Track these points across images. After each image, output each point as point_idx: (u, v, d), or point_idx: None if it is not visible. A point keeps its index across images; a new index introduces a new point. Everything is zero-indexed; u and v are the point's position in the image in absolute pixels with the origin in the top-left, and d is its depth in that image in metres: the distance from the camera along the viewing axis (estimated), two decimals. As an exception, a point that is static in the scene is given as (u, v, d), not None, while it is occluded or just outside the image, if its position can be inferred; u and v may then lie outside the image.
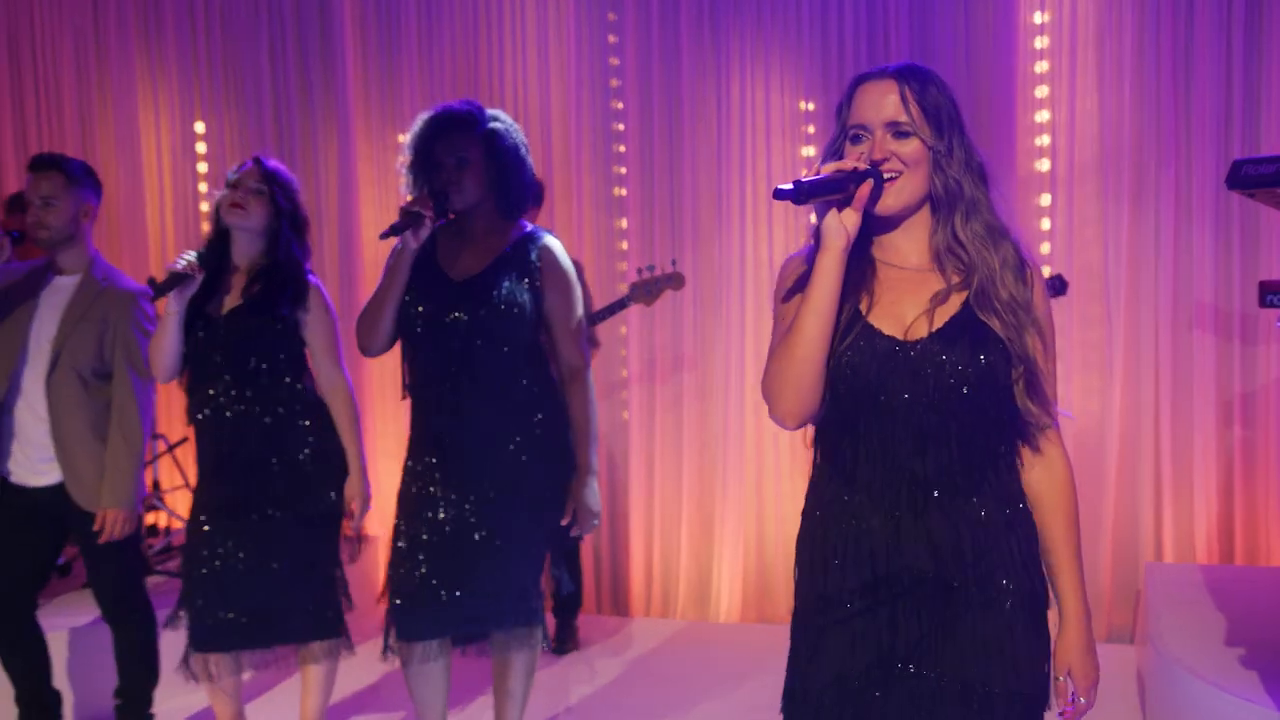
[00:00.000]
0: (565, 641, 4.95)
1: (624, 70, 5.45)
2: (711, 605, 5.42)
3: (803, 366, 1.91)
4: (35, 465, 3.66)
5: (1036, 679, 1.99)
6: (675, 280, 4.61)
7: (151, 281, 3.35)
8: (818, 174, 1.85)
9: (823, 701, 1.99)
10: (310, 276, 3.52)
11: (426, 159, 3.20)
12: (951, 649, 1.95)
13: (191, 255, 3.32)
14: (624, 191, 5.48)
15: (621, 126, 5.49)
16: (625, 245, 5.49)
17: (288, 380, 3.47)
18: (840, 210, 1.89)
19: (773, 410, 1.96)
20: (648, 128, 5.41)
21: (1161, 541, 4.95)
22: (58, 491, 3.65)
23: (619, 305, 4.69)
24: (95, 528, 3.61)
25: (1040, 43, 5.04)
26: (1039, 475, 2.03)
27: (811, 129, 5.27)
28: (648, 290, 4.61)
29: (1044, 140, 5.05)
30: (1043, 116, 5.05)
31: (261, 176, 3.43)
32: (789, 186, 1.82)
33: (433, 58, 5.63)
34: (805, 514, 2.10)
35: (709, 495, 5.41)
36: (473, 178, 3.19)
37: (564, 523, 3.31)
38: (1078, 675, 2.04)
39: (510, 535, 3.23)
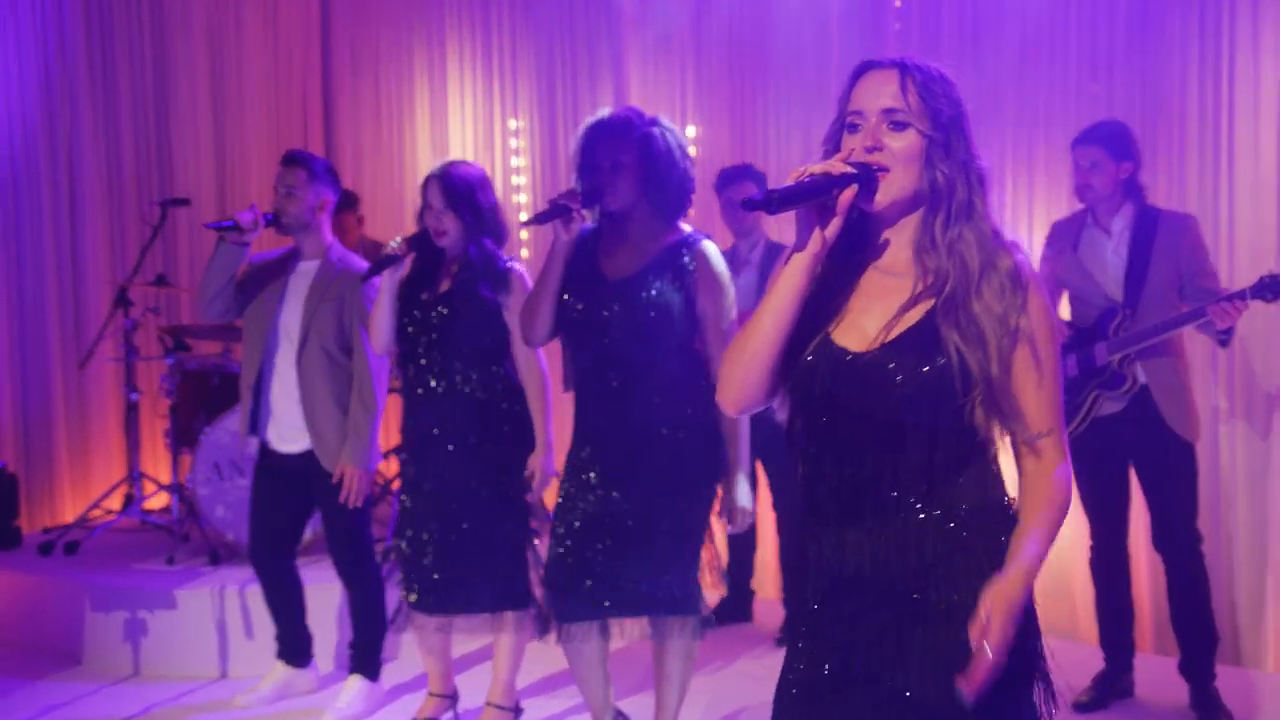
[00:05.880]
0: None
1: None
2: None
3: (752, 361, 1.92)
4: (285, 433, 4.14)
5: (992, 693, 1.85)
6: None
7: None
8: (800, 180, 1.82)
9: (791, 704, 2.00)
10: (513, 264, 3.78)
11: (587, 161, 3.33)
12: (905, 660, 1.90)
13: (400, 239, 3.71)
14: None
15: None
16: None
17: (490, 362, 3.76)
18: (821, 214, 1.85)
19: (718, 394, 1.99)
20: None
21: None
22: (306, 457, 4.10)
23: None
24: (335, 481, 4.01)
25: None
26: (1019, 488, 1.94)
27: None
28: None
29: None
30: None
31: (441, 192, 3.71)
32: (760, 196, 1.79)
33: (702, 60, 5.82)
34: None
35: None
36: (626, 180, 3.28)
37: (714, 516, 3.39)
38: (984, 624, 1.82)
39: (660, 526, 3.33)
